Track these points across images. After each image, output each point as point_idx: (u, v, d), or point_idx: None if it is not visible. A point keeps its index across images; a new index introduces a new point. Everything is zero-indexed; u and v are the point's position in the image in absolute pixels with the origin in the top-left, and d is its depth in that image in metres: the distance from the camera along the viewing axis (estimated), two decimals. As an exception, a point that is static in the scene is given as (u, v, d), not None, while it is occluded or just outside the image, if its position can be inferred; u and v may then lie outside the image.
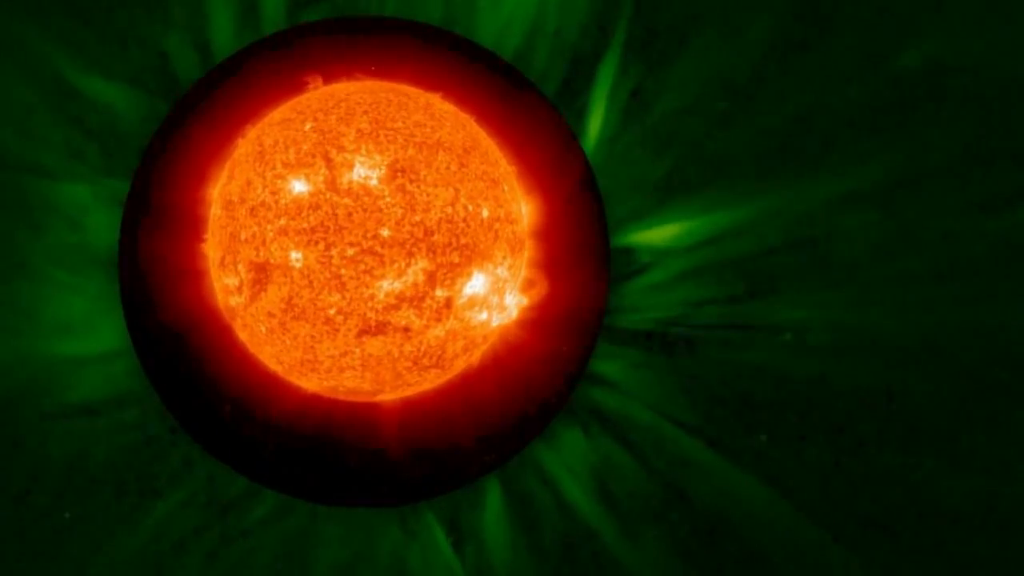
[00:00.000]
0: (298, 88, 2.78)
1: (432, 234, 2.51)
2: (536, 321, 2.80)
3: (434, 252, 2.51)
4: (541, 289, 2.78)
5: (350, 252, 2.47)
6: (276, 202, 2.53)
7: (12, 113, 2.84)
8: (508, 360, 2.79)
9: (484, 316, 2.65)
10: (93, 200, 2.85)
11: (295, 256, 2.49)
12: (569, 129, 2.87)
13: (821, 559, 2.91)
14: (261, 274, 2.53)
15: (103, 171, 2.86)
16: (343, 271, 2.48)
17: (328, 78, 2.79)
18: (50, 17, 2.86)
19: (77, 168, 2.85)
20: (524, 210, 2.80)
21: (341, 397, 2.74)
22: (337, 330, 2.52)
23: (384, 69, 2.81)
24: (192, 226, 2.74)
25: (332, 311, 2.50)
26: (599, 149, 2.96)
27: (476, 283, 2.58)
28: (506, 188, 2.70)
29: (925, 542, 2.90)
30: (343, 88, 2.74)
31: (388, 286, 2.49)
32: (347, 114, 2.61)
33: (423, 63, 2.82)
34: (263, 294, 2.54)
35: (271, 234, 2.51)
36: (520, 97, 2.85)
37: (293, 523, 2.88)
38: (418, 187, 2.53)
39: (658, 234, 2.97)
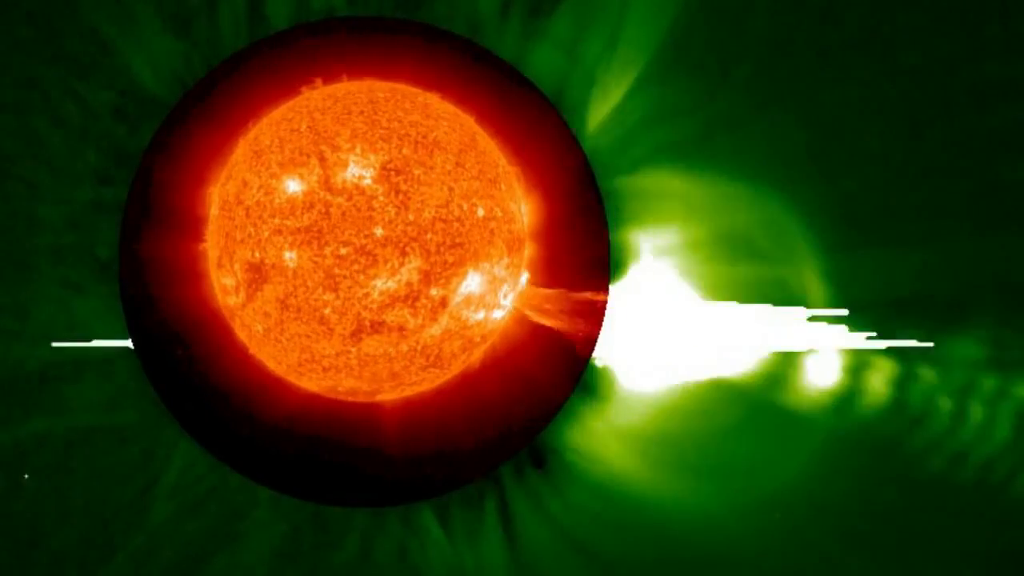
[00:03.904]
0: (297, 88, 2.78)
1: (426, 233, 2.51)
2: (536, 320, 2.79)
3: (428, 251, 2.51)
4: (539, 296, 2.77)
5: (343, 251, 2.48)
6: (271, 202, 2.53)
7: (12, 113, 2.87)
8: (508, 360, 2.79)
9: (481, 315, 2.65)
10: (93, 200, 2.87)
11: (289, 256, 2.49)
12: (569, 129, 2.86)
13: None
14: (257, 274, 2.54)
15: (103, 171, 2.87)
16: (337, 270, 2.48)
17: (328, 78, 2.79)
18: (50, 18, 2.88)
19: (77, 168, 2.87)
20: (523, 209, 2.79)
21: (340, 397, 2.74)
22: (332, 330, 2.53)
23: (384, 69, 2.82)
24: (192, 226, 2.75)
25: (327, 310, 2.51)
26: (598, 148, 2.95)
27: (471, 282, 2.57)
28: (504, 187, 2.70)
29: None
30: (341, 87, 2.74)
31: (382, 285, 2.49)
32: (343, 113, 2.61)
33: (423, 63, 2.82)
34: (259, 294, 2.55)
35: (266, 234, 2.52)
36: (520, 97, 2.84)
37: (292, 523, 2.88)
38: (412, 186, 2.53)
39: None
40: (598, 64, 2.94)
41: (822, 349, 2.93)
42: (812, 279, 2.93)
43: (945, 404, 2.94)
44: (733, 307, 2.93)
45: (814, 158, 2.93)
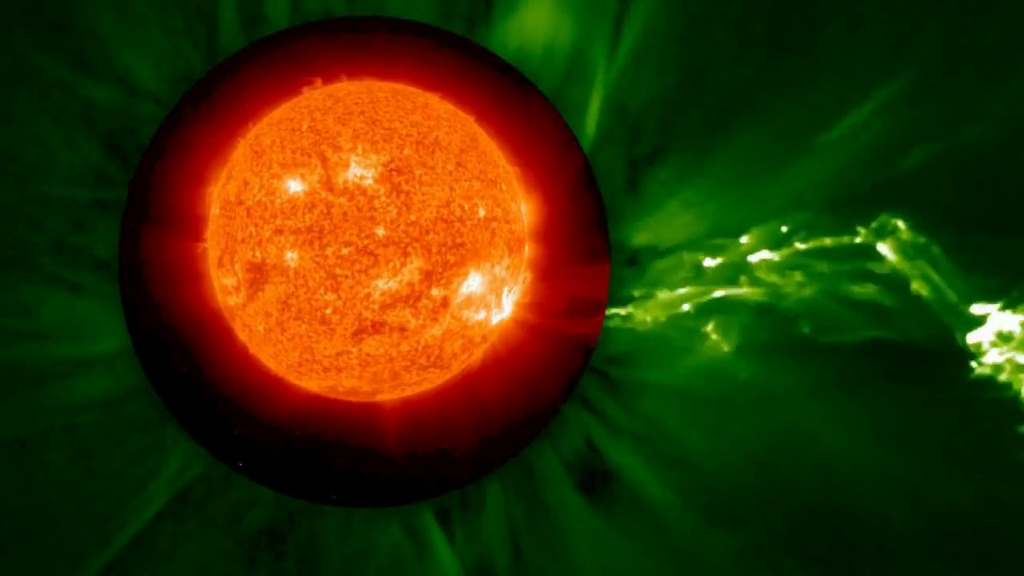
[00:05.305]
0: (297, 88, 2.78)
1: (427, 233, 2.52)
2: (536, 320, 2.79)
3: (429, 251, 2.51)
4: (541, 291, 2.78)
5: (345, 251, 2.48)
6: (272, 202, 2.53)
7: (13, 113, 2.86)
8: (508, 360, 2.79)
9: (482, 315, 2.65)
10: (93, 200, 2.87)
11: (290, 256, 2.49)
12: (568, 129, 2.86)
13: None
14: (258, 274, 2.54)
15: (103, 171, 2.87)
16: (338, 270, 2.48)
17: (327, 78, 2.79)
18: (50, 19, 2.87)
19: (77, 168, 2.86)
20: (523, 209, 2.80)
21: (340, 397, 2.74)
22: (333, 330, 2.53)
23: (384, 69, 2.81)
24: (192, 226, 2.75)
25: (328, 310, 2.51)
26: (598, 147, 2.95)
27: (472, 282, 2.57)
28: (504, 187, 2.70)
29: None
30: (342, 88, 2.74)
31: (383, 285, 2.49)
32: (344, 114, 2.61)
33: (423, 63, 2.82)
34: (260, 294, 2.55)
35: (267, 234, 2.52)
36: (520, 97, 2.84)
37: (293, 523, 2.88)
38: (413, 187, 2.53)
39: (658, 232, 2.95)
40: (598, 64, 2.95)
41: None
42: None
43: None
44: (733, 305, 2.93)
45: (815, 154, 2.94)
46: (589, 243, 2.84)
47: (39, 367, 2.84)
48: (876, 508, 2.69)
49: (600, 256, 2.84)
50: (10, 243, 2.85)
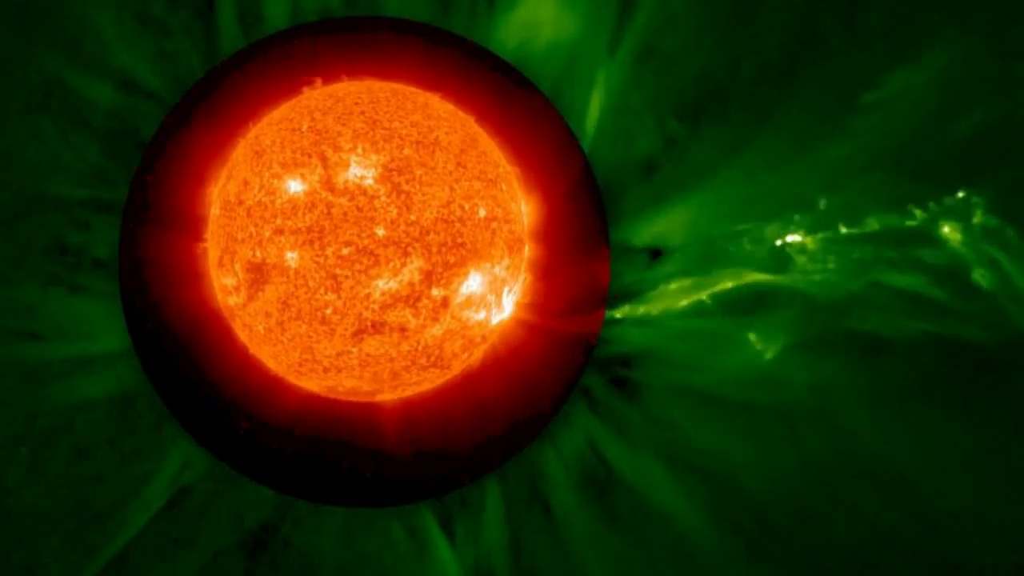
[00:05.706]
0: (298, 88, 2.79)
1: (428, 233, 2.52)
2: (536, 320, 2.80)
3: (430, 251, 2.52)
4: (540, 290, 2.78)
5: (345, 252, 2.48)
6: (272, 202, 2.54)
7: (12, 113, 2.86)
8: (508, 360, 2.79)
9: (482, 315, 2.65)
10: (93, 200, 2.87)
11: (290, 256, 2.50)
12: (568, 128, 2.86)
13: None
14: (258, 274, 2.54)
15: (103, 171, 2.87)
16: (338, 271, 2.49)
17: (327, 78, 2.80)
18: (50, 19, 2.87)
19: (77, 168, 2.86)
20: (523, 210, 2.80)
21: (340, 397, 2.74)
22: (334, 330, 2.53)
23: (384, 69, 2.82)
24: (192, 226, 2.75)
25: (328, 311, 2.51)
26: (598, 145, 2.95)
27: (473, 282, 2.58)
28: (504, 188, 2.70)
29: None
30: (342, 87, 2.74)
31: (384, 285, 2.50)
32: (344, 114, 2.62)
33: (423, 63, 2.82)
34: (260, 294, 2.55)
35: (267, 234, 2.52)
36: (520, 97, 2.85)
37: (294, 523, 2.88)
38: (414, 187, 2.54)
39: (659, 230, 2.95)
40: (599, 64, 2.95)
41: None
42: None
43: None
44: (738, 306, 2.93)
45: (815, 153, 2.94)
46: (589, 243, 2.84)
47: (39, 367, 2.84)
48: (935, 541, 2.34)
49: (600, 256, 2.84)
50: (10, 243, 2.85)
